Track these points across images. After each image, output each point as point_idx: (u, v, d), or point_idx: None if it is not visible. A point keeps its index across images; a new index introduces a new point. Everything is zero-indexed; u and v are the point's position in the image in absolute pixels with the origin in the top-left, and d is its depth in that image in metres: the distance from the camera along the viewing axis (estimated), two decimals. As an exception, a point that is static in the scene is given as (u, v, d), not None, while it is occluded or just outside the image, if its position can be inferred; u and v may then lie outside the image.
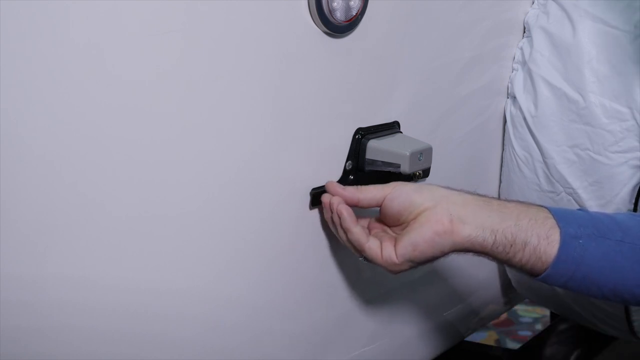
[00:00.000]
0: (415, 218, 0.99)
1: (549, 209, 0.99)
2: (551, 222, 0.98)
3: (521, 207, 1.00)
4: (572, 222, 0.98)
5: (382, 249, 1.00)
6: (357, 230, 1.01)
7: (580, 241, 0.97)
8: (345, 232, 1.02)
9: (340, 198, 1.03)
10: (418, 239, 0.98)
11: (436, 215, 0.98)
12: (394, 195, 1.01)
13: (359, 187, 1.05)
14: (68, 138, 0.80)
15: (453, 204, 0.98)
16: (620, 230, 0.99)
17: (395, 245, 0.99)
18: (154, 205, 0.89)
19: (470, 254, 1.00)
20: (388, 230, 1.03)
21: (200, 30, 0.88)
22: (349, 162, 1.09)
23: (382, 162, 1.09)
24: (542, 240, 0.97)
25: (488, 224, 0.97)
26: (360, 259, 1.03)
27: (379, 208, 1.04)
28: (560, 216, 0.98)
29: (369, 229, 1.05)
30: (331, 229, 1.06)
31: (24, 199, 0.79)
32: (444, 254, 0.99)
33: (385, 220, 1.03)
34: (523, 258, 0.97)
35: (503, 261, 0.99)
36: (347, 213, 1.02)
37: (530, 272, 0.99)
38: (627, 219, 1.01)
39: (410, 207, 1.00)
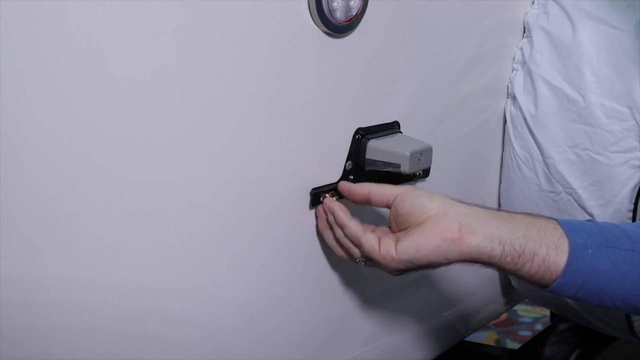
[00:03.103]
0: (422, 222, 0.98)
1: (558, 220, 0.99)
2: (560, 232, 0.97)
3: (529, 218, 0.99)
4: (581, 232, 0.98)
5: (381, 244, 0.99)
6: (353, 224, 1.01)
7: (590, 251, 0.96)
8: (341, 228, 1.02)
9: (333, 199, 1.04)
10: (423, 242, 0.97)
11: (445, 222, 0.97)
12: (406, 195, 1.01)
13: (371, 183, 1.04)
14: (68, 138, 0.80)
15: (463, 214, 0.98)
16: (630, 239, 0.98)
17: (396, 244, 0.99)
18: (154, 206, 0.89)
19: (477, 264, 0.99)
20: (392, 236, 1.02)
21: (200, 30, 0.88)
22: (349, 162, 1.09)
23: (382, 162, 1.09)
24: (551, 251, 0.96)
25: (496, 234, 0.97)
26: (358, 260, 1.03)
27: (387, 211, 1.04)
28: (569, 227, 0.98)
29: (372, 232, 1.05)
30: (327, 240, 1.05)
31: (24, 199, 0.79)
32: (448, 261, 0.98)
33: (394, 220, 1.02)
34: (532, 269, 0.97)
35: (511, 272, 0.98)
36: (340, 209, 1.02)
37: (540, 283, 0.98)
38: (636, 228, 1.01)
39: (420, 210, 0.99)
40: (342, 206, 1.03)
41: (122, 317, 0.90)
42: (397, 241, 0.99)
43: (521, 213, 1.01)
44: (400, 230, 1.01)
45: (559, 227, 0.98)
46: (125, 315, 0.91)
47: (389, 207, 1.03)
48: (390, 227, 1.04)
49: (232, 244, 0.99)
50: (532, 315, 2.86)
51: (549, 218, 1.00)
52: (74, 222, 0.83)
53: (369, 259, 1.01)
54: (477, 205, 1.01)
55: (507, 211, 1.03)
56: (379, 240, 1.00)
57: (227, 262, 0.99)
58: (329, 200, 1.04)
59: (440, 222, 0.97)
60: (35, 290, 0.83)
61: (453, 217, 0.98)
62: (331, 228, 1.04)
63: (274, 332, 1.08)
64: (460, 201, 1.01)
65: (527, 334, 2.75)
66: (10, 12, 0.73)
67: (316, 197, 1.06)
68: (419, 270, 1.01)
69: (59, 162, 0.80)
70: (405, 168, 1.08)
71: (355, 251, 1.02)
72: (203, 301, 0.98)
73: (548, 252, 0.96)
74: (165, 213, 0.90)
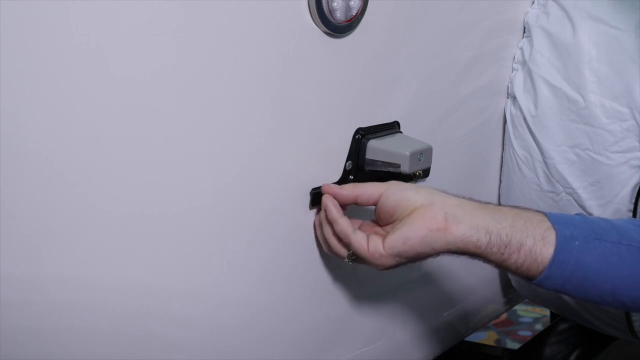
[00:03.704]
0: (409, 214, 0.99)
1: (545, 213, 0.99)
2: (547, 224, 0.97)
3: (516, 210, 1.00)
4: (568, 224, 0.98)
5: (369, 241, 0.99)
6: (343, 221, 1.01)
7: (577, 242, 0.96)
8: (331, 224, 1.02)
9: (330, 195, 1.04)
10: (409, 234, 0.97)
11: (431, 212, 0.98)
12: (390, 191, 1.01)
13: (356, 184, 1.05)
14: (68, 138, 0.80)
15: (448, 204, 0.98)
16: (617, 232, 0.98)
17: (384, 239, 0.99)
18: (154, 206, 0.89)
19: (465, 256, 0.99)
20: (379, 230, 1.03)
21: (200, 30, 0.88)
22: (349, 162, 1.09)
23: (382, 162, 1.09)
24: (537, 242, 0.96)
25: (483, 224, 0.97)
26: (346, 260, 1.03)
27: (374, 208, 1.04)
28: (556, 219, 0.98)
29: (360, 229, 1.05)
30: (318, 235, 1.06)
31: (24, 199, 0.79)
32: (436, 251, 0.98)
33: (379, 216, 1.03)
34: (519, 259, 0.97)
35: (498, 263, 0.98)
36: (332, 205, 1.02)
37: (527, 275, 0.98)
38: (623, 222, 1.01)
39: (405, 204, 0.99)
40: (336, 203, 1.03)
41: (122, 317, 0.90)
42: (384, 237, 0.99)
43: (508, 206, 1.02)
44: (387, 224, 1.02)
45: (546, 219, 0.98)
46: (125, 315, 0.90)
47: (375, 205, 1.03)
48: (376, 222, 1.04)
49: (232, 244, 0.99)
50: (532, 315, 2.86)
51: (537, 211, 1.00)
52: (74, 222, 0.83)
53: (356, 257, 1.02)
54: (464, 197, 1.01)
55: (494, 204, 1.03)
56: (367, 238, 1.00)
57: (227, 262, 0.99)
58: (326, 197, 1.04)
59: (427, 212, 0.98)
60: (35, 290, 0.83)
61: (439, 207, 0.98)
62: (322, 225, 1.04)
63: (274, 332, 1.09)
64: (446, 192, 1.01)
65: (527, 334, 2.75)
66: (10, 12, 0.73)
67: (316, 197, 1.06)
68: (407, 263, 1.01)
69: (59, 162, 0.80)
70: (405, 168, 1.08)
71: (341, 251, 1.02)
72: (203, 301, 0.98)
73: (535, 242, 0.96)
74: (165, 213, 0.90)
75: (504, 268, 0.99)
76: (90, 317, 0.88)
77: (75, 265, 0.84)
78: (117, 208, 0.86)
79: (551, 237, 0.96)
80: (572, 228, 0.97)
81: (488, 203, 1.02)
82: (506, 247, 0.97)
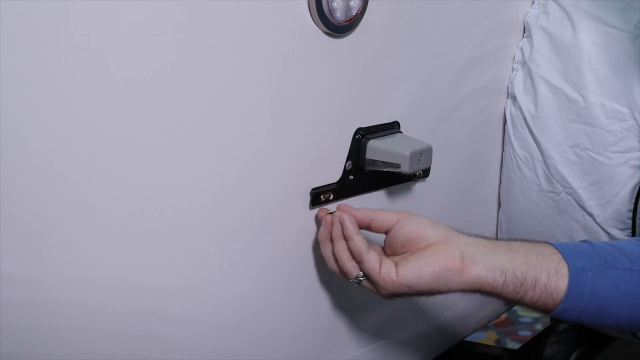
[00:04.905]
0: (423, 249, 0.98)
1: (554, 245, 0.99)
2: (558, 257, 0.98)
3: (527, 245, 1.00)
4: (579, 255, 0.98)
5: (382, 264, 0.98)
6: (358, 239, 1.00)
7: (589, 273, 0.97)
8: (346, 240, 1.01)
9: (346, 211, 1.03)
10: (425, 268, 0.96)
11: (448, 250, 0.97)
12: (407, 221, 1.01)
13: (372, 209, 1.04)
14: (68, 138, 0.80)
15: (463, 244, 0.98)
16: (627, 258, 0.99)
17: (397, 267, 0.97)
18: (154, 206, 0.89)
19: (478, 294, 0.99)
20: (388, 256, 1.02)
21: (200, 30, 0.88)
22: (349, 162, 1.09)
23: (382, 162, 1.09)
24: (551, 277, 0.97)
25: (498, 264, 0.97)
26: (352, 280, 1.01)
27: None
28: (567, 251, 0.98)
29: None
30: (323, 252, 1.04)
31: (24, 199, 0.79)
32: (449, 290, 0.98)
33: (390, 244, 1.02)
34: (534, 296, 0.97)
35: (514, 301, 0.98)
36: (349, 221, 1.01)
37: (543, 309, 0.99)
38: (631, 246, 1.01)
39: (420, 237, 0.99)
40: (352, 218, 1.02)
41: (122, 317, 0.90)
42: (397, 264, 0.98)
43: (518, 240, 1.02)
44: (395, 254, 1.01)
45: (556, 251, 0.98)
46: (125, 315, 0.91)
47: (387, 233, 1.02)
48: (384, 249, 1.03)
49: (232, 244, 0.99)
50: (532, 315, 2.86)
51: (545, 243, 1.00)
52: (74, 222, 0.83)
53: (365, 279, 1.00)
54: (476, 235, 1.01)
55: (503, 239, 1.03)
56: (380, 260, 0.99)
57: (227, 262, 0.99)
58: (342, 213, 1.02)
59: (443, 250, 0.97)
60: (35, 290, 0.83)
61: (455, 246, 0.97)
62: (331, 241, 1.03)
63: (274, 332, 1.09)
64: (459, 231, 1.01)
65: (527, 334, 2.75)
66: (10, 12, 0.73)
67: (316, 197, 1.06)
68: (414, 296, 1.00)
69: (59, 162, 0.80)
70: (405, 168, 1.08)
71: (350, 269, 1.01)
72: (203, 301, 0.98)
73: (549, 278, 0.97)
74: (165, 213, 0.90)
75: (519, 304, 1.00)
76: (90, 317, 0.88)
77: (75, 265, 0.84)
78: (117, 208, 0.86)
79: (564, 271, 0.97)
80: (584, 259, 0.98)
81: (497, 240, 1.02)
82: (522, 285, 0.97)
